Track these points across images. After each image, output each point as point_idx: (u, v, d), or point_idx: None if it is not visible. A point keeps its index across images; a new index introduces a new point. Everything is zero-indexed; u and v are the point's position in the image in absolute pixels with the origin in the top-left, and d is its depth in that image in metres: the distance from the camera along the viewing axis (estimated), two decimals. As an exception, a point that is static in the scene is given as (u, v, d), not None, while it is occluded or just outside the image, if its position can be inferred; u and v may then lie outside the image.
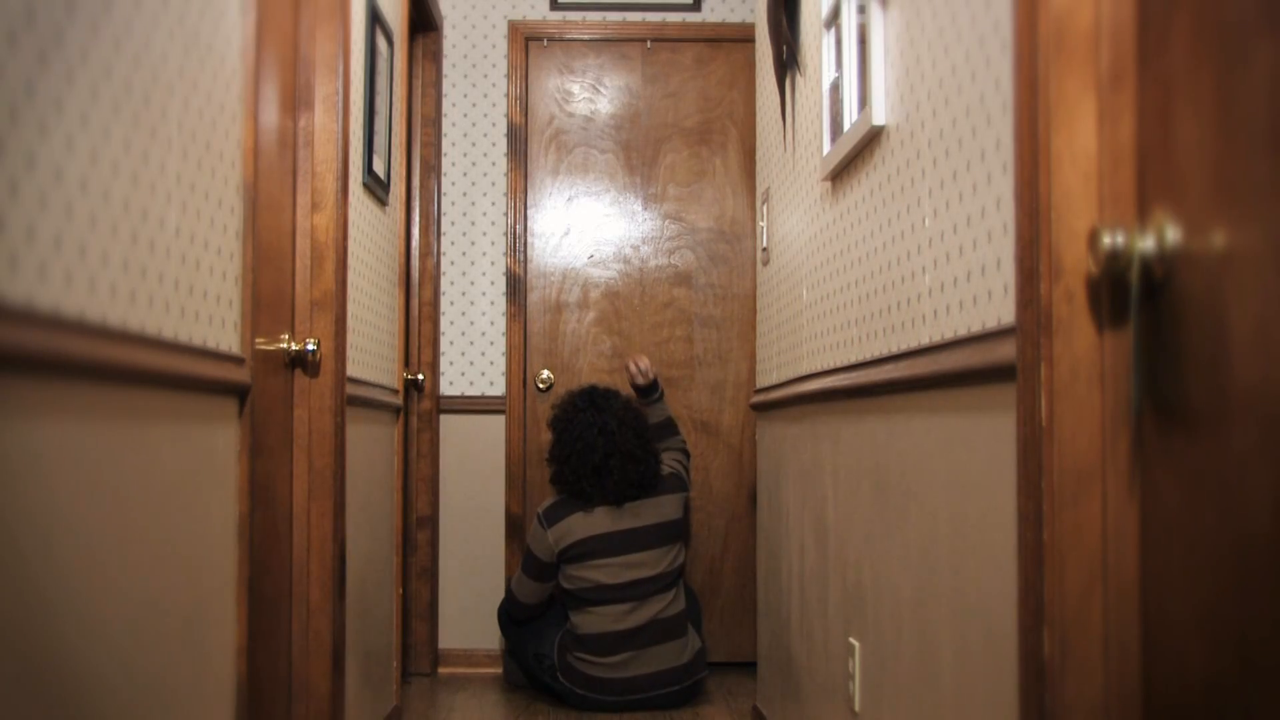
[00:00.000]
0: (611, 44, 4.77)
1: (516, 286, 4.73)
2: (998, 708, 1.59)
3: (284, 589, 2.60)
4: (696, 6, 4.79)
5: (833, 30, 2.71)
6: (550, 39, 4.77)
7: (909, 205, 2.05)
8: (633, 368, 4.34)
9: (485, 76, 4.79)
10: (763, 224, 3.82)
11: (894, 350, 2.14)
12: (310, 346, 2.61)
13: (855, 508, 2.42)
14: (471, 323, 4.75)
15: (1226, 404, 1.11)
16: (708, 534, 4.70)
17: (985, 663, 1.65)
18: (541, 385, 4.69)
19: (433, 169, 4.69)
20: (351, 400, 3.00)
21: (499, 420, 4.71)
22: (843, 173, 2.58)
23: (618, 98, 4.77)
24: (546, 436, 4.54)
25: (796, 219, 3.18)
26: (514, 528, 4.67)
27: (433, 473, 4.62)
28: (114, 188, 1.46)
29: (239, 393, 2.02)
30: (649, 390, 4.34)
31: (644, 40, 4.76)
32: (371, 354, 3.42)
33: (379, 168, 3.49)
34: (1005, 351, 1.53)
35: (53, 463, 1.30)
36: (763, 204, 3.83)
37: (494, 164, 4.78)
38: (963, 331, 1.76)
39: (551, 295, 4.74)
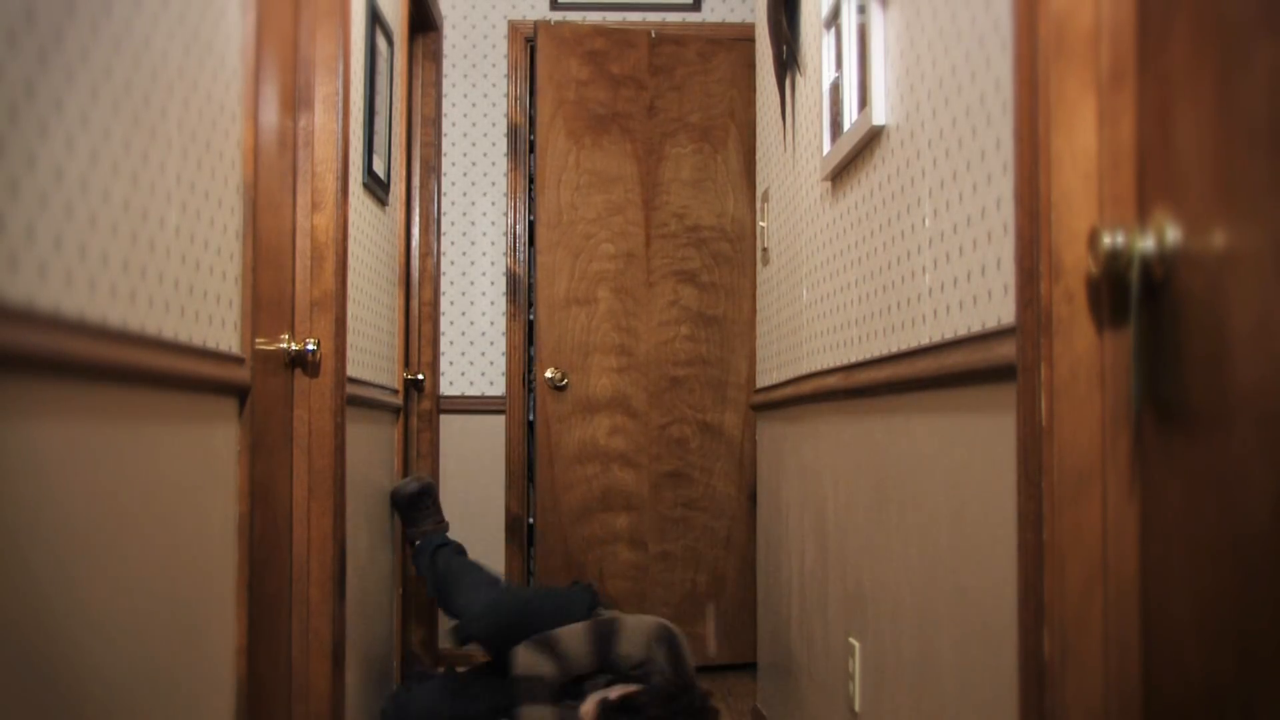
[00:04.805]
0: (613, 41, 4.76)
1: (516, 286, 4.73)
2: (998, 708, 1.59)
3: (284, 589, 2.60)
4: (696, 6, 4.79)
5: (833, 30, 2.71)
6: (550, 37, 4.76)
7: (909, 205, 2.05)
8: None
9: (485, 76, 4.79)
10: (763, 224, 3.81)
11: (894, 350, 2.14)
12: (310, 346, 2.61)
13: (855, 507, 2.42)
14: (471, 323, 4.74)
15: (1226, 404, 1.11)
16: (708, 535, 4.69)
17: (985, 663, 1.65)
18: (558, 385, 4.61)
19: (433, 169, 4.69)
20: (351, 400, 3.00)
21: (499, 420, 4.70)
22: (843, 173, 2.58)
23: (619, 94, 4.75)
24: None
25: (796, 219, 3.18)
26: (514, 527, 4.66)
27: (433, 473, 4.62)
28: (114, 188, 1.46)
29: (239, 393, 2.02)
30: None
31: (648, 32, 4.75)
32: (371, 354, 3.42)
33: (379, 168, 3.49)
34: (1005, 351, 1.53)
35: (53, 463, 1.30)
36: (763, 204, 3.83)
37: (494, 164, 4.77)
38: (963, 331, 1.76)
39: (557, 293, 4.72)
